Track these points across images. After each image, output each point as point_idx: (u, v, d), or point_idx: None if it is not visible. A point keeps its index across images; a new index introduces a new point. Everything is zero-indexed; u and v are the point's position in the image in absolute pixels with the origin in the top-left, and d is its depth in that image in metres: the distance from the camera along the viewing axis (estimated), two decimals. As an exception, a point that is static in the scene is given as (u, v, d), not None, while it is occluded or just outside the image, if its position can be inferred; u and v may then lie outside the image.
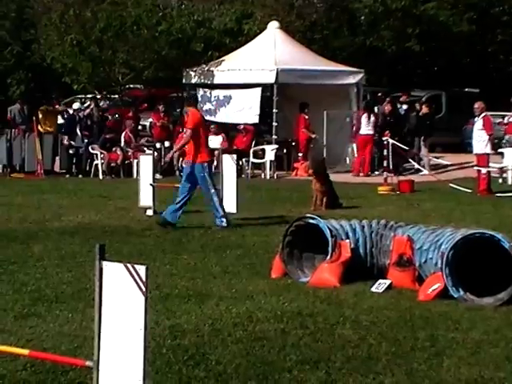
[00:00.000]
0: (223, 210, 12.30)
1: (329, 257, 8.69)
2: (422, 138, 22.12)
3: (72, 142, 22.01)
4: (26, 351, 5.09)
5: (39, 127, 22.57)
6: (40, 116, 23.15)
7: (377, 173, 21.11)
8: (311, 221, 9.01)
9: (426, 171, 20.98)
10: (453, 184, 18.06)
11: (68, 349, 6.22)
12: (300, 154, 22.06)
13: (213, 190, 12.25)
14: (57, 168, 22.47)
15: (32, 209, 14.47)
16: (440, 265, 8.07)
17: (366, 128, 21.52)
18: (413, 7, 29.71)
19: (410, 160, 21.39)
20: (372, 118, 21.54)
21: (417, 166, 21.30)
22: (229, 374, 5.78)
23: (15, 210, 14.20)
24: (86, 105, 26.07)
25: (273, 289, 8.38)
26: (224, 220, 12.20)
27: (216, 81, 22.81)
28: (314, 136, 22.11)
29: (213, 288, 8.39)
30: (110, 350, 4.55)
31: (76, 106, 23.50)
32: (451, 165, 22.54)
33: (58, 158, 22.54)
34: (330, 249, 8.68)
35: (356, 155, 22.11)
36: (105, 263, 4.51)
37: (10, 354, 5.57)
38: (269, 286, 8.47)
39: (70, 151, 22.00)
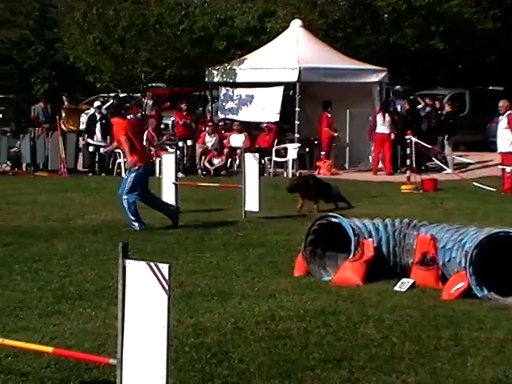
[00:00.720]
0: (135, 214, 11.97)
1: (351, 255, 8.66)
2: (446, 136, 21.99)
3: (90, 140, 22.06)
4: (50, 349, 5.11)
5: (62, 126, 22.67)
6: (63, 115, 23.26)
7: (400, 171, 21.01)
8: (334, 219, 8.98)
9: (449, 170, 20.86)
10: (476, 183, 17.95)
11: (91, 346, 6.24)
12: (322, 153, 22.01)
13: (125, 196, 11.91)
14: (80, 166, 22.56)
15: (55, 207, 14.53)
16: (464, 264, 8.02)
17: (382, 126, 21.42)
18: (436, 5, 29.54)
19: (434, 158, 21.29)
20: (387, 117, 21.42)
21: (440, 164, 21.19)
22: (251, 373, 5.78)
23: (39, 208, 14.27)
24: (108, 104, 26.18)
25: (295, 287, 8.36)
26: (136, 224, 11.89)
27: (238, 79, 22.80)
28: (336, 134, 22.06)
29: (235, 286, 8.39)
30: (134, 348, 4.56)
31: (97, 104, 23.57)
32: (475, 163, 22.40)
33: (81, 157, 22.63)
34: (352, 247, 8.66)
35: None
36: (128, 261, 4.52)
37: (34, 351, 5.59)
38: (291, 285, 8.46)
39: (90, 149, 22.07)
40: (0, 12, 37.45)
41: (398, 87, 23.82)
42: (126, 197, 11.95)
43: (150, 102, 23.88)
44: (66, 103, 23.93)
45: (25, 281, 8.54)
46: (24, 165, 22.11)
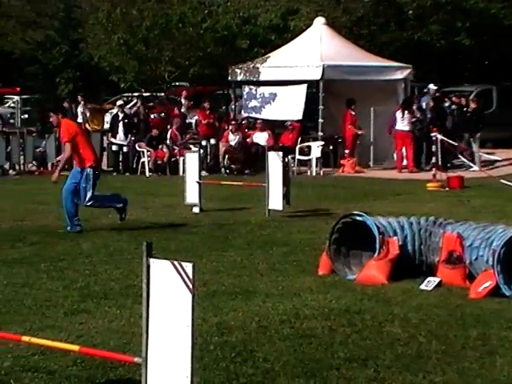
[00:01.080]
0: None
1: (376, 254, 8.61)
2: (471, 134, 21.84)
3: (113, 140, 22.14)
4: (76, 347, 5.12)
5: (87, 125, 22.76)
6: (88, 114, 23.36)
7: (426, 169, 20.89)
8: (358, 218, 8.93)
9: (475, 167, 20.71)
10: (504, 180, 17.79)
11: (117, 345, 6.25)
12: (346, 151, 21.94)
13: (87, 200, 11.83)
14: (104, 166, 22.63)
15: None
16: (491, 262, 7.94)
17: (401, 123, 21.30)
18: (462, 0, 29.32)
19: (460, 156, 21.14)
20: (406, 115, 21.28)
21: (466, 161, 21.04)
22: (276, 372, 5.75)
23: (64, 208, 14.30)
24: (132, 103, 26.27)
25: (319, 286, 8.33)
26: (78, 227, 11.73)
27: (261, 78, 22.77)
28: (360, 132, 21.98)
29: (259, 285, 8.37)
30: (158, 347, 4.56)
31: (119, 103, 23.65)
32: (502, 160, 22.23)
33: (105, 156, 22.72)
34: (377, 246, 8.61)
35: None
36: (152, 260, 4.51)
37: (60, 349, 5.60)
38: (315, 284, 8.43)
39: (113, 148, 22.14)
40: (26, 13, 37.69)
41: (431, 85, 23.64)
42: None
43: (185, 101, 23.94)
44: (81, 103, 24.03)
45: (51, 279, 8.58)
46: (49, 164, 22.21)
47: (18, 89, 34.90)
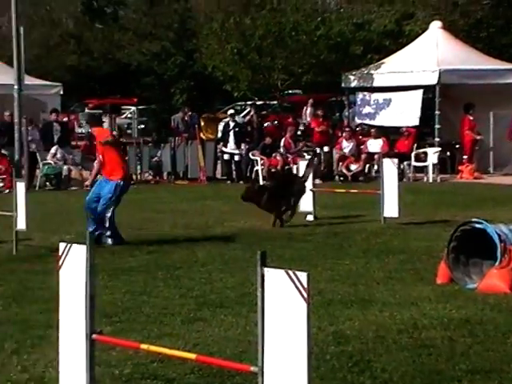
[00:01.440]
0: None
1: (498, 262, 8.34)
2: None
3: (224, 148, 22.32)
4: (193, 355, 5.13)
5: (201, 135, 23.06)
6: (202, 124, 23.67)
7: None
8: (478, 225, 8.68)
9: None
10: None
11: (233, 353, 6.25)
12: (465, 157, 21.46)
13: (109, 214, 11.39)
14: (218, 174, 22.88)
15: (195, 215, 14.76)
16: None
17: None
18: None
19: None
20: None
21: None
22: (395, 382, 5.63)
23: (180, 216, 14.52)
24: (245, 112, 26.49)
25: (438, 295, 8.12)
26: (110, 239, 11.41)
27: (375, 84, 22.56)
28: (479, 138, 21.47)
29: (376, 294, 8.24)
30: (274, 356, 4.52)
31: (230, 112, 23.87)
32: None
33: (219, 165, 22.95)
34: (498, 254, 8.34)
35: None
36: (266, 270, 4.48)
37: (178, 358, 5.64)
38: (434, 293, 8.23)
39: (225, 157, 22.34)
40: (142, 25, 38.61)
41: None
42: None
43: (310, 110, 23.96)
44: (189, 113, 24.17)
45: (168, 288, 8.67)
46: (165, 173, 22.61)
47: (136, 99, 35.78)
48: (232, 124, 22.53)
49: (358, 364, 6.01)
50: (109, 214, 11.36)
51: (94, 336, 5.06)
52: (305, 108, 24.93)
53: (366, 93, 22.73)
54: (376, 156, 20.80)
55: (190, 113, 23.91)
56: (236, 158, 22.14)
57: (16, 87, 20.14)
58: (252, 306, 7.21)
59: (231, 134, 22.32)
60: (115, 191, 11.34)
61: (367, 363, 6.02)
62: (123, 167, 11.67)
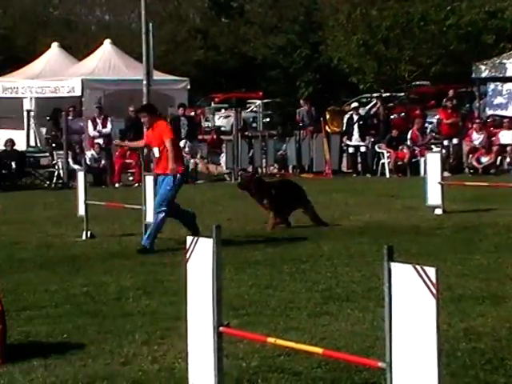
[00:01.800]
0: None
1: None
2: None
3: (348, 142, 22.14)
4: (319, 350, 5.08)
5: (327, 128, 22.97)
6: (327, 116, 23.57)
7: None
8: None
9: None
10: None
11: (360, 348, 6.16)
12: None
13: (164, 208, 10.58)
14: (344, 168, 22.73)
15: (321, 208, 14.64)
16: None
17: None
18: None
19: None
20: None
21: None
22: (530, 383, 5.42)
23: (305, 209, 14.45)
24: (371, 104, 26.24)
25: None
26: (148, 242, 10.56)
27: (508, 73, 21.88)
28: None
29: (509, 290, 7.96)
30: (403, 352, 4.42)
31: (354, 105, 23.66)
32: None
33: (344, 158, 22.81)
34: None
35: None
36: (393, 264, 4.39)
37: (304, 351, 5.60)
38: None
39: (350, 150, 22.16)
40: (268, 19, 38.84)
41: None
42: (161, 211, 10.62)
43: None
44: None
45: (294, 281, 8.65)
46: (290, 167, 22.63)
47: (261, 93, 36.03)
48: (356, 117, 22.35)
49: (490, 361, 5.82)
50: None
51: (221, 329, 5.09)
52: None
53: (497, 83, 22.12)
54: (508, 148, 20.19)
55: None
56: (362, 149, 21.94)
57: (145, 82, 20.58)
58: (379, 300, 7.09)
59: (355, 126, 22.14)
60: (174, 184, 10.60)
61: (501, 361, 5.83)
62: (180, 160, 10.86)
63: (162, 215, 10.58)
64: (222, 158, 21.63)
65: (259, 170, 21.83)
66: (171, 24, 42.90)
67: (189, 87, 24.79)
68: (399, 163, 21.24)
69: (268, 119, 32.89)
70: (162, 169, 10.67)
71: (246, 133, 24.52)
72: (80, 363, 6.04)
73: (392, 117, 23.81)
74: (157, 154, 10.83)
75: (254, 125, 32.39)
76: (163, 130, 10.75)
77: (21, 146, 22.57)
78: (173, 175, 10.54)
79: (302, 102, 24.50)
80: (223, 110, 35.91)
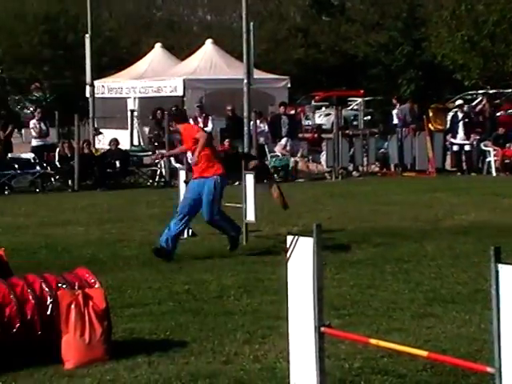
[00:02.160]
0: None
1: None
2: None
3: (452, 140, 21.68)
4: (424, 352, 4.93)
5: (430, 125, 22.58)
6: (430, 114, 23.17)
7: None
8: None
9: None
10: None
11: (467, 352, 5.98)
12: None
13: (216, 217, 10.22)
14: (448, 166, 22.30)
15: (424, 207, 14.42)
16: None
17: None
18: None
19: None
20: None
21: None
22: None
23: (408, 209, 14.25)
24: (477, 101, 25.64)
25: None
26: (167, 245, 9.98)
27: None
28: None
29: None
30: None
31: (458, 102, 23.17)
32: None
33: (448, 156, 22.37)
34: None
35: None
36: (500, 266, 4.20)
37: (408, 354, 5.46)
38: None
39: (454, 148, 21.70)
40: (369, 16, 38.50)
41: None
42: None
43: None
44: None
45: (396, 281, 8.49)
46: (392, 165, 22.34)
47: (362, 91, 35.73)
48: (460, 115, 21.87)
49: None
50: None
51: (322, 329, 4.99)
52: None
53: None
54: None
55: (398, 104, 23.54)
56: (467, 147, 21.46)
57: (245, 81, 20.65)
58: (486, 302, 6.86)
59: (460, 124, 21.68)
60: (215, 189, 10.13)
61: None
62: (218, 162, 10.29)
63: (216, 218, 10.22)
64: (323, 157, 21.52)
65: (360, 169, 21.63)
66: (272, 23, 43.01)
67: (289, 86, 24.77)
68: (506, 161, 20.69)
69: (369, 117, 32.57)
70: (199, 172, 10.15)
71: (347, 131, 24.33)
72: (182, 361, 6.04)
73: (498, 114, 23.22)
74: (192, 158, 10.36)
75: (355, 123, 32.15)
76: (191, 130, 10.44)
77: (125, 145, 23.00)
78: (214, 180, 10.04)
79: (394, 101, 24.17)
80: (324, 108, 35.78)
